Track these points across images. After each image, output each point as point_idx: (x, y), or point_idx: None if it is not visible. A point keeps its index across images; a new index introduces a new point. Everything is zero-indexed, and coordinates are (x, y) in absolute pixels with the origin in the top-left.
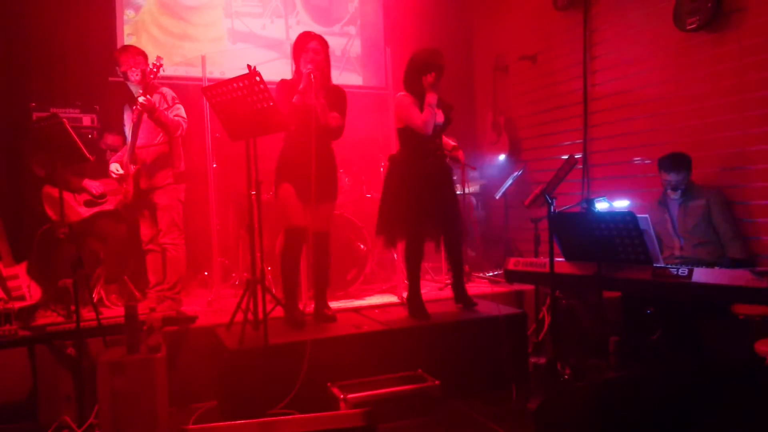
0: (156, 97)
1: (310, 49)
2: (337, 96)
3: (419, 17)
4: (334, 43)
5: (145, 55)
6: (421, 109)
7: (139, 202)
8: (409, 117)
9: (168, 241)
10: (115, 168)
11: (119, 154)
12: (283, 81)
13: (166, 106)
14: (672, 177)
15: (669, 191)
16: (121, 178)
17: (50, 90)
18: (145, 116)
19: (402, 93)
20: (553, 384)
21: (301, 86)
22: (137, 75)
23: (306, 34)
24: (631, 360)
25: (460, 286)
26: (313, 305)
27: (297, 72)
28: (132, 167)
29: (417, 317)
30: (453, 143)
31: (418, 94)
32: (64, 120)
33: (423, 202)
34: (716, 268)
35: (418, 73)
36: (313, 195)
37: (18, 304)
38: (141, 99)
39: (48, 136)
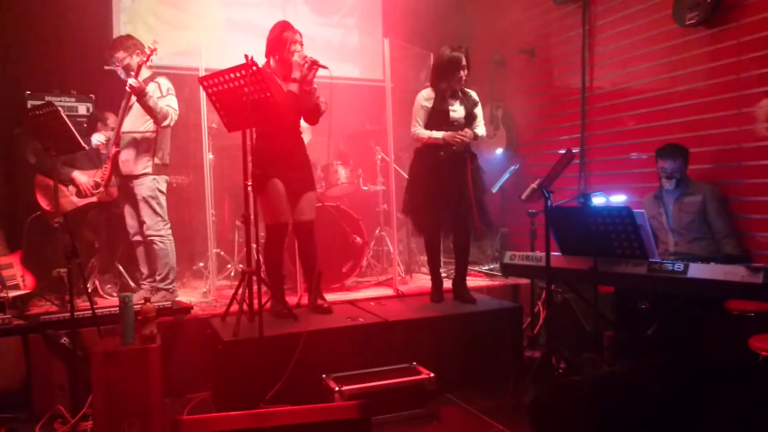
0: (152, 86)
1: (298, 41)
2: None
3: (418, 9)
4: (333, 35)
5: (126, 48)
6: (435, 113)
7: (120, 190)
8: (413, 117)
9: (153, 233)
10: (96, 138)
11: (106, 131)
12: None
13: (159, 95)
14: (667, 164)
15: (664, 180)
16: (102, 157)
17: (46, 78)
18: (135, 102)
19: (427, 88)
20: (547, 378)
21: (309, 76)
22: (121, 72)
23: (289, 25)
24: (625, 355)
25: (460, 282)
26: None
27: (282, 60)
28: (113, 149)
29: (435, 301)
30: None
31: (438, 92)
32: (59, 109)
33: (433, 193)
34: (711, 263)
35: (439, 72)
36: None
37: (12, 293)
38: (131, 81)
39: (43, 124)
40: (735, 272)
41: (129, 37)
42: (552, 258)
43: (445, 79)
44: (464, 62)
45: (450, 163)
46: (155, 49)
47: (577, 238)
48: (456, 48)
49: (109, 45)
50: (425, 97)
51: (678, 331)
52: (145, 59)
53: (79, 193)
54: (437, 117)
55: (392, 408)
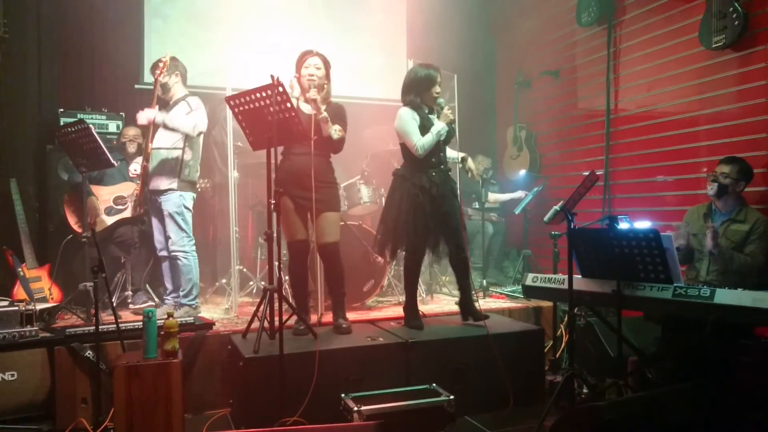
0: (182, 105)
1: (311, 65)
2: (338, 112)
3: (442, 30)
4: (357, 56)
5: (172, 67)
6: (422, 130)
7: (149, 205)
8: (407, 135)
9: (177, 249)
10: (133, 169)
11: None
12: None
13: (188, 110)
14: (721, 167)
15: (709, 182)
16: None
17: (78, 96)
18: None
19: (403, 107)
20: (569, 403)
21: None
22: (159, 90)
23: (307, 51)
24: (649, 380)
25: (466, 300)
26: (330, 315)
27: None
28: (143, 164)
29: (411, 325)
30: (462, 154)
31: (417, 109)
32: (90, 126)
33: (422, 215)
34: (739, 289)
35: (419, 88)
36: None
37: (40, 306)
38: (140, 117)
39: (74, 141)
40: (764, 299)
41: (174, 58)
42: (575, 281)
43: (418, 95)
44: (439, 79)
45: (435, 184)
46: (166, 62)
47: (601, 260)
48: (429, 66)
49: (156, 64)
50: (411, 114)
51: (705, 357)
52: (159, 73)
53: (109, 210)
54: (421, 133)
55: (410, 429)
